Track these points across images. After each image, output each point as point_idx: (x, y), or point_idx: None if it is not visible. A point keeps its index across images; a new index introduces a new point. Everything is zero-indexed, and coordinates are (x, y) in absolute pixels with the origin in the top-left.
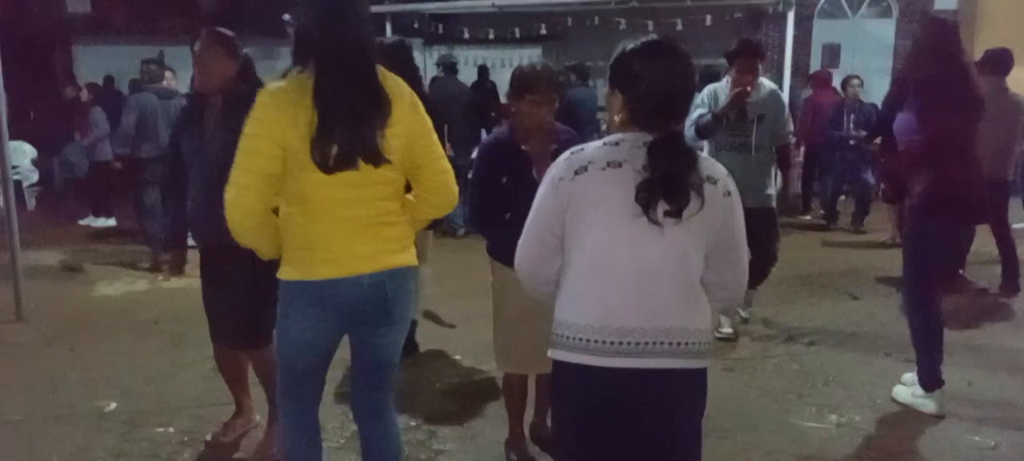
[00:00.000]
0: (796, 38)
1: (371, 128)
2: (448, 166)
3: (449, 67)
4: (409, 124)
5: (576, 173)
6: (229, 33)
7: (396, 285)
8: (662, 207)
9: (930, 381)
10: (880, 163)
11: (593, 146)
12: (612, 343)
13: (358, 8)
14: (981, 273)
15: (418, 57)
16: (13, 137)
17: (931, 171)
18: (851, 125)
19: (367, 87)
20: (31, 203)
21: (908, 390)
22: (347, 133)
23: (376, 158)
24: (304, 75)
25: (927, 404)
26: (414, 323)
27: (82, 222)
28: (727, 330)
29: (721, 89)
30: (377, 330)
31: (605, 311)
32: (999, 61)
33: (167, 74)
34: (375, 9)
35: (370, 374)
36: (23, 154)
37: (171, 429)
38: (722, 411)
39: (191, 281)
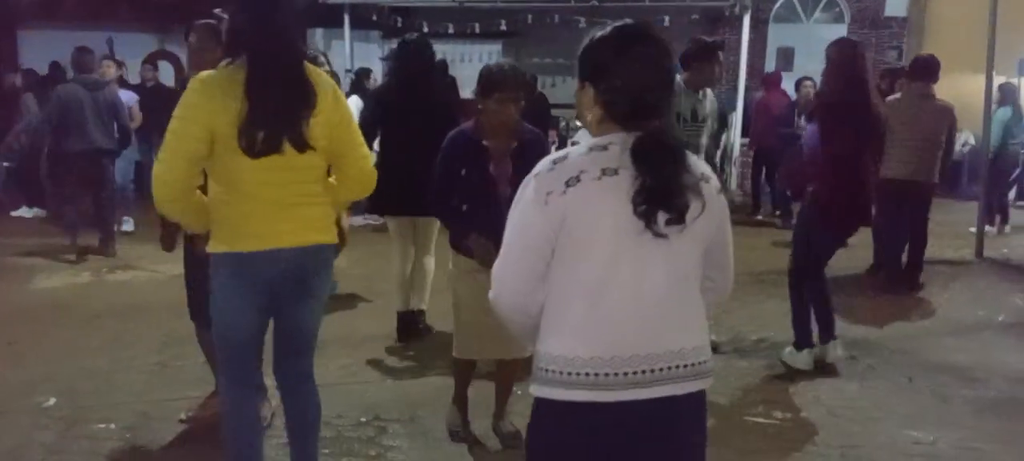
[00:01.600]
0: (751, 41)
1: (297, 118)
2: (367, 153)
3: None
4: (331, 114)
5: (568, 185)
6: (218, 24)
7: (315, 260)
8: (663, 216)
9: (802, 340)
10: (785, 162)
11: (578, 152)
12: (625, 374)
13: (288, 6)
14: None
15: (376, 50)
16: None
17: (825, 185)
18: (803, 124)
19: (295, 80)
20: None
21: (786, 351)
22: (274, 122)
23: (301, 145)
24: (235, 66)
25: (801, 359)
26: (421, 312)
27: (14, 213)
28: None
29: (678, 90)
30: (297, 302)
31: (612, 341)
32: (926, 67)
33: (105, 63)
34: (334, 1)
35: (290, 343)
36: None
37: (112, 425)
38: None
39: (136, 274)
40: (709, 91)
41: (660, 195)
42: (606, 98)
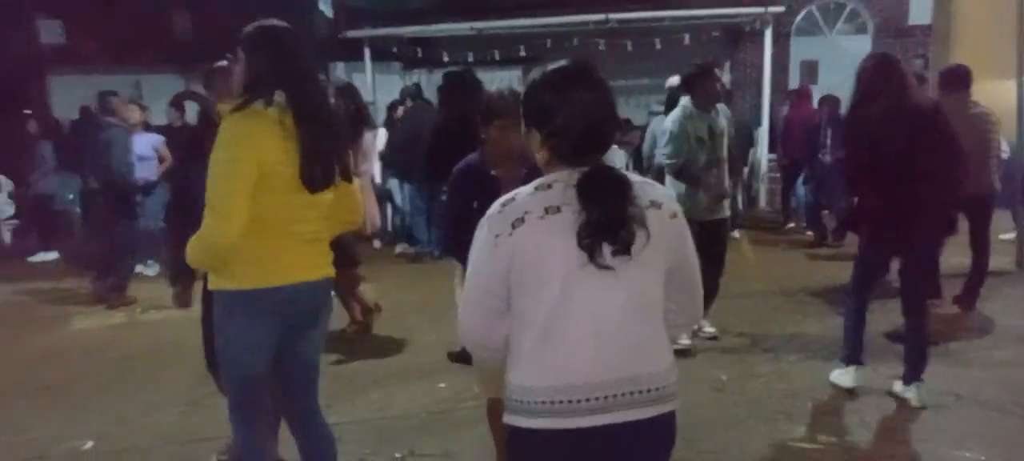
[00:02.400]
0: (774, 56)
1: (344, 151)
2: (356, 189)
3: (413, 95)
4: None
5: (513, 226)
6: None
7: (325, 293)
8: (607, 248)
9: (851, 357)
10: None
11: (525, 193)
12: (578, 402)
13: (304, 46)
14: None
15: (397, 82)
16: None
17: (863, 199)
18: (828, 141)
19: (333, 114)
20: (6, 237)
21: (835, 373)
22: (327, 156)
23: (348, 175)
24: (277, 107)
25: (847, 377)
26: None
27: (31, 259)
28: (710, 330)
29: (688, 110)
30: (305, 333)
31: (566, 370)
32: (961, 77)
33: (129, 106)
34: (353, 34)
35: (300, 380)
36: None
37: None
38: (710, 432)
39: (168, 314)
40: (721, 106)
41: (603, 228)
42: (549, 140)
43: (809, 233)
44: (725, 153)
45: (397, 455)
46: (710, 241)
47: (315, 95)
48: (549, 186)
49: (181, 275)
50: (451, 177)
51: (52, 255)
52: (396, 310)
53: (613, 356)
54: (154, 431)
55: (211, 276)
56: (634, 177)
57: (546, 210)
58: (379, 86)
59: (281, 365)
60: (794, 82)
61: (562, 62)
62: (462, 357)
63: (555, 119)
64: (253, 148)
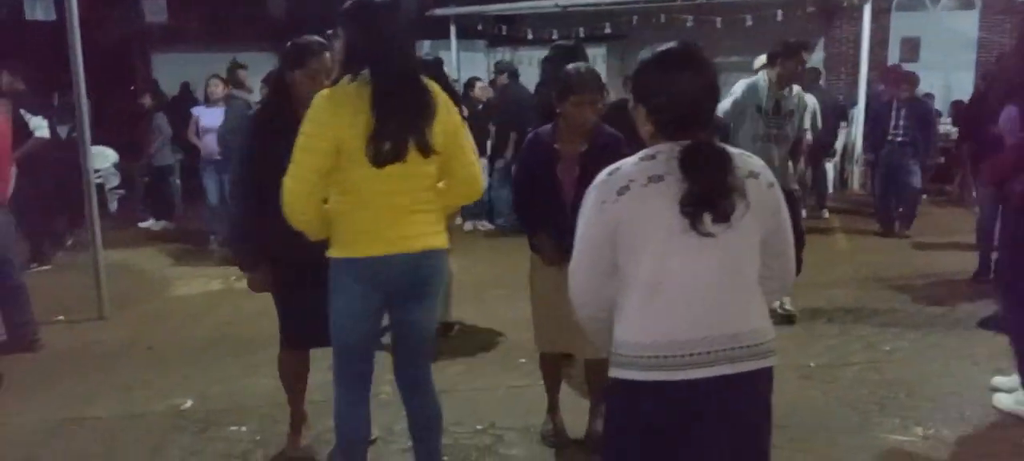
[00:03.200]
0: (873, 32)
1: (422, 126)
2: (475, 159)
3: (512, 73)
4: (445, 122)
5: (619, 193)
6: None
7: (430, 264)
8: (708, 216)
9: None
10: (973, 161)
11: (630, 163)
12: (681, 356)
13: (400, 21)
14: None
15: (482, 59)
16: (95, 142)
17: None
18: (902, 122)
19: (416, 90)
20: (113, 205)
21: (1011, 398)
22: (399, 132)
23: (427, 151)
24: (359, 82)
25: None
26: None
27: (141, 225)
28: (789, 308)
29: (761, 85)
30: (414, 305)
31: (669, 328)
32: None
33: (213, 81)
34: (439, 12)
35: (410, 349)
36: (105, 158)
37: (243, 429)
38: (799, 420)
39: None
40: (796, 87)
41: (705, 198)
42: (654, 115)
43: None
44: (790, 134)
45: (478, 427)
46: None
47: (397, 71)
48: (653, 157)
49: (247, 256)
50: (524, 145)
51: (161, 223)
52: (476, 285)
53: (712, 315)
54: (248, 393)
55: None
56: (733, 149)
57: (649, 179)
58: (463, 64)
59: (393, 334)
60: (893, 59)
61: (670, 44)
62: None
63: (660, 97)
64: (330, 125)
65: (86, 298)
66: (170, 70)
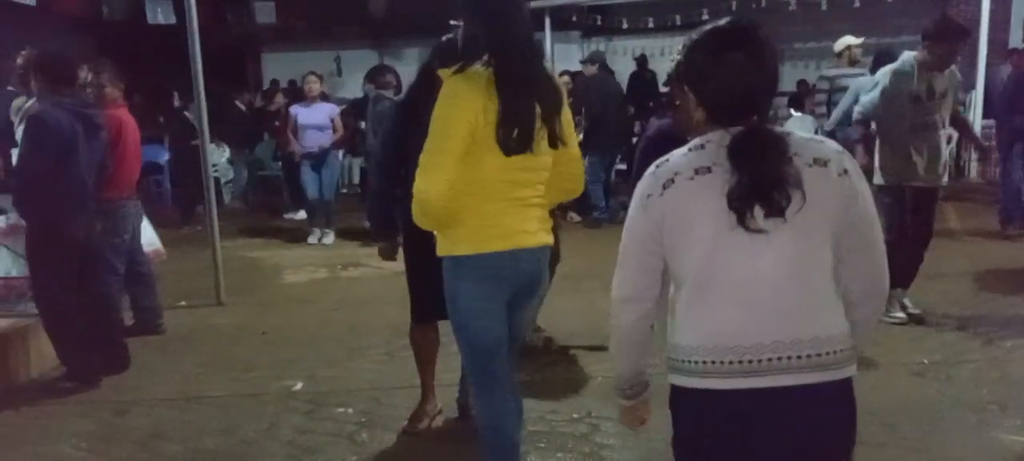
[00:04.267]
0: (992, 12)
1: (550, 115)
2: (578, 154)
3: (602, 64)
4: (564, 112)
5: (664, 187)
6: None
7: (544, 261)
8: (760, 211)
9: None
10: None
11: (678, 154)
12: (729, 363)
13: (522, 9)
14: None
15: (576, 50)
16: (210, 139)
17: None
18: None
19: (544, 79)
20: (227, 198)
21: None
22: (528, 119)
23: (556, 141)
24: (483, 68)
25: None
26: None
27: (287, 216)
28: (914, 310)
29: (907, 67)
30: (525, 302)
31: (716, 331)
32: None
33: (311, 79)
34: (534, 5)
35: (511, 344)
36: (220, 153)
37: (350, 410)
38: (911, 420)
39: (364, 271)
40: (949, 70)
41: (753, 190)
42: (704, 100)
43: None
44: (942, 115)
45: (574, 416)
46: (919, 208)
47: (521, 59)
48: (702, 146)
49: (384, 228)
50: (643, 141)
51: (300, 214)
52: (573, 276)
53: (766, 319)
54: (355, 377)
55: (439, 242)
56: (799, 135)
57: (696, 171)
58: (558, 56)
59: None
60: (1016, 40)
61: (720, 22)
62: None
63: (709, 80)
64: (466, 109)
65: (205, 286)
66: (278, 68)
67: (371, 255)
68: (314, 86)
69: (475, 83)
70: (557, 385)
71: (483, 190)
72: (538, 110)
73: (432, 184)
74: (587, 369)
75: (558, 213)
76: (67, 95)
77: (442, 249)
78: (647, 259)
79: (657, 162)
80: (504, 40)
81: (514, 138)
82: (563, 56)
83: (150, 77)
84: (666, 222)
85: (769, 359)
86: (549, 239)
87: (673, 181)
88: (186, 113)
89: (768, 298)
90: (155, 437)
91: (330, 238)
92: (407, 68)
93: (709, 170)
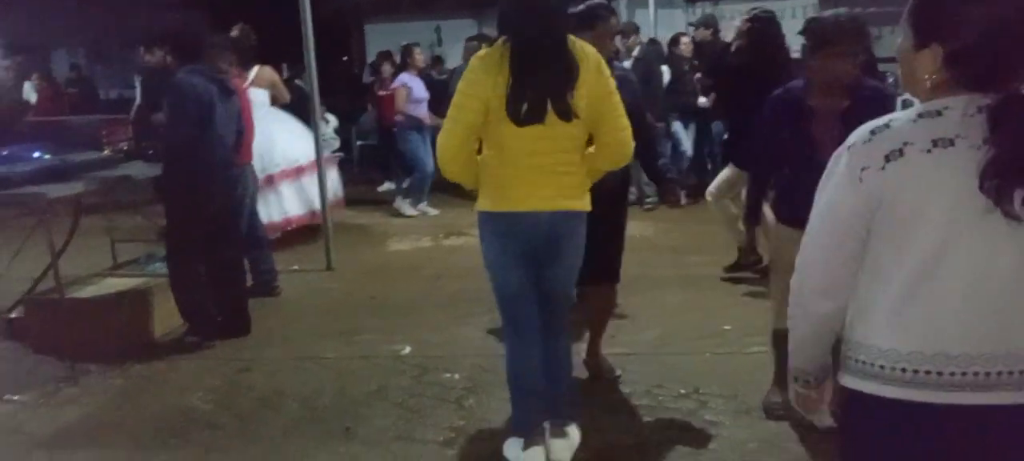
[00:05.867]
0: None
1: (561, 90)
2: (626, 124)
3: (715, 29)
4: (593, 86)
5: (887, 159)
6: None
7: (567, 226)
8: (1020, 195)
9: None
10: None
11: (903, 119)
12: (951, 374)
13: None
14: None
15: (681, 16)
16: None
17: None
18: None
19: (557, 56)
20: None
21: None
22: (536, 94)
23: (566, 114)
24: (503, 45)
25: None
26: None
27: (380, 189)
28: None
29: None
30: (550, 264)
31: (939, 336)
32: None
33: (417, 50)
34: None
35: (545, 302)
36: (326, 124)
37: (456, 376)
38: None
39: (467, 240)
40: None
41: (1019, 169)
42: (956, 60)
43: None
44: None
45: (681, 391)
46: None
47: (541, 35)
48: (939, 113)
49: None
50: (768, 101)
51: (390, 185)
52: (675, 249)
53: (1001, 324)
54: (460, 343)
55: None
56: None
57: (934, 142)
58: (661, 22)
59: (535, 286)
60: None
61: None
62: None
63: (967, 33)
64: (477, 85)
65: (314, 251)
66: (380, 40)
67: (472, 225)
68: (418, 58)
69: (488, 63)
70: (661, 361)
71: (501, 156)
72: (552, 84)
73: (441, 146)
74: (693, 345)
75: (672, 197)
76: (199, 63)
77: (477, 204)
78: (850, 244)
79: (871, 126)
80: (516, 21)
81: (523, 111)
82: (666, 23)
83: (258, 49)
84: (885, 202)
85: (1003, 372)
86: (574, 205)
87: (901, 153)
88: (298, 82)
89: (1005, 299)
90: (275, 394)
91: (431, 210)
92: None
93: (951, 143)
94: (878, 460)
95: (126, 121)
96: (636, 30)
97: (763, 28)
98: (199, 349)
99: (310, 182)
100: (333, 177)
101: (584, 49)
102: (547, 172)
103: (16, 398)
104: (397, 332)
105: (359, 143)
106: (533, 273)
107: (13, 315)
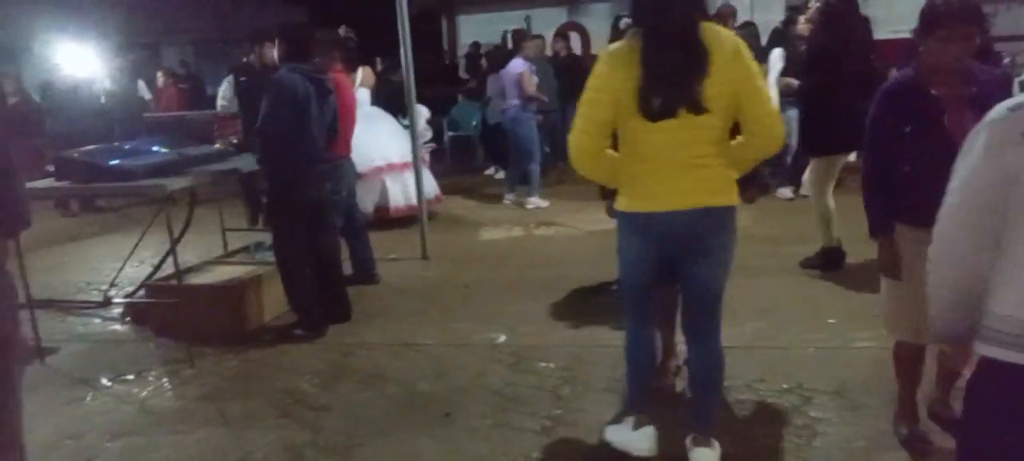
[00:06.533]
0: None
1: (690, 82)
2: (773, 110)
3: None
4: (730, 73)
5: None
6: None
7: (710, 223)
8: None
9: None
10: None
11: None
12: None
13: None
14: None
15: (776, 3)
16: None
17: None
18: None
19: (686, 46)
20: (425, 159)
21: None
22: (667, 87)
23: (696, 107)
24: (636, 37)
25: None
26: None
27: (487, 173)
28: None
29: None
30: (692, 261)
31: None
32: None
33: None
34: None
35: (690, 300)
36: (420, 115)
37: (552, 365)
38: None
39: (558, 229)
40: None
41: None
42: None
43: None
44: None
45: (784, 386)
46: None
47: (671, 25)
48: None
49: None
50: (878, 96)
51: (500, 173)
52: (775, 242)
53: None
54: (555, 333)
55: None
56: None
57: None
58: (757, 7)
59: (680, 284)
60: None
61: None
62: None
63: None
64: (607, 78)
65: (410, 240)
66: (471, 30)
67: (561, 213)
68: (531, 47)
69: (617, 56)
70: (764, 354)
71: (635, 153)
72: (684, 77)
73: (573, 144)
74: (796, 338)
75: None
76: (301, 62)
77: (615, 203)
78: (987, 218)
79: (1009, 105)
80: (645, 13)
81: (655, 105)
82: (762, 7)
83: (354, 43)
84: (1022, 177)
85: None
86: (718, 200)
87: None
88: (393, 78)
89: None
90: (376, 378)
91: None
92: (596, 25)
93: None
94: (1004, 427)
95: (236, 116)
96: (734, 13)
97: (838, 6)
98: (304, 339)
99: (410, 176)
100: (428, 173)
101: (718, 34)
102: (685, 167)
103: (140, 376)
104: (492, 320)
105: (450, 134)
106: (660, 271)
107: (135, 298)
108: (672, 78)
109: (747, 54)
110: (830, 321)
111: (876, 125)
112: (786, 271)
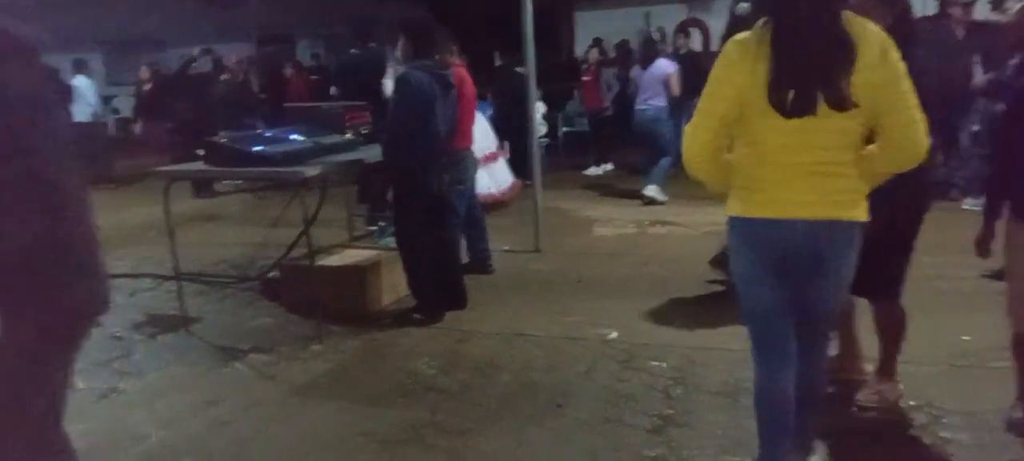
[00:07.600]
0: None
1: (831, 74)
2: (918, 117)
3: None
4: (875, 70)
5: None
6: None
7: (832, 239)
8: None
9: None
10: None
11: None
12: None
13: None
14: None
15: None
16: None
17: None
18: None
19: (826, 34)
20: (504, 154)
21: None
22: (804, 80)
23: (839, 103)
24: (765, 27)
25: None
26: None
27: (585, 172)
28: None
29: None
30: (809, 280)
31: None
32: None
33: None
34: None
35: (802, 323)
36: (536, 110)
37: (664, 364)
38: None
39: (671, 229)
40: None
41: None
42: None
43: None
44: None
45: (913, 403)
46: None
47: (807, 11)
48: None
49: None
50: (1010, 90)
51: (603, 168)
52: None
53: None
54: (667, 333)
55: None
56: None
57: None
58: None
59: (790, 297)
60: None
61: None
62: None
63: None
64: (731, 70)
65: (524, 233)
66: (590, 27)
67: (678, 213)
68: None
69: (745, 46)
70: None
71: (756, 154)
72: (821, 71)
73: (689, 142)
74: (926, 353)
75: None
76: (426, 58)
77: (727, 207)
78: None
79: None
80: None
81: (790, 100)
82: None
83: (472, 38)
84: None
85: None
86: (840, 214)
87: None
88: (519, 69)
89: None
90: (489, 365)
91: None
92: (716, 21)
93: None
94: None
95: (366, 107)
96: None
97: None
98: (422, 323)
99: (494, 166)
100: (501, 167)
101: (864, 27)
102: (811, 173)
103: (273, 350)
104: (603, 316)
105: (565, 129)
106: (789, 289)
107: (270, 275)
108: (811, 69)
109: (895, 54)
110: (965, 338)
111: (1007, 118)
112: (919, 284)
